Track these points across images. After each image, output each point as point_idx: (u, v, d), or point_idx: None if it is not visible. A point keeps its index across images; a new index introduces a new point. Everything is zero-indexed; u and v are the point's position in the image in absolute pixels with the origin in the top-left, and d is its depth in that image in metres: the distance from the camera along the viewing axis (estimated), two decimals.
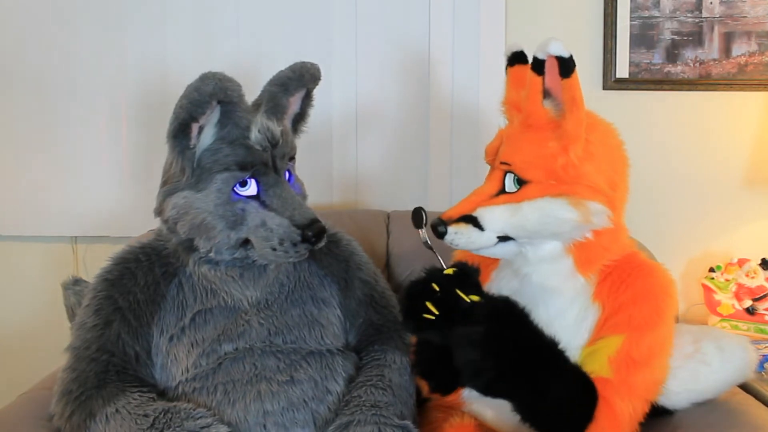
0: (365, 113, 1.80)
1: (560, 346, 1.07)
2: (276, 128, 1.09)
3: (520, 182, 1.07)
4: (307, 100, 1.22)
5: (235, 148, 1.06)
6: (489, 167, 1.16)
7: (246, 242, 1.09)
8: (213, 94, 1.02)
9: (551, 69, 1.02)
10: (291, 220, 1.07)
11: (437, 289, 1.04)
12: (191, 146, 1.06)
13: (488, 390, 1.06)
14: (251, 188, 1.08)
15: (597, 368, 1.07)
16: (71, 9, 1.79)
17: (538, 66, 1.02)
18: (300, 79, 1.17)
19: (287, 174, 1.14)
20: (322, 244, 1.11)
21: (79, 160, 1.82)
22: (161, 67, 1.78)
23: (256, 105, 1.14)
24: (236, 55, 1.77)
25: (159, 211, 1.12)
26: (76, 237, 1.87)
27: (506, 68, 1.18)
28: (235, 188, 1.07)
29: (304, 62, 1.18)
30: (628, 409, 1.06)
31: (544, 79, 1.03)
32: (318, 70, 1.20)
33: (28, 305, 1.90)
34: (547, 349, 1.06)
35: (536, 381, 1.04)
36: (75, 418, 1.05)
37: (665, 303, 1.10)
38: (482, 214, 1.08)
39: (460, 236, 1.08)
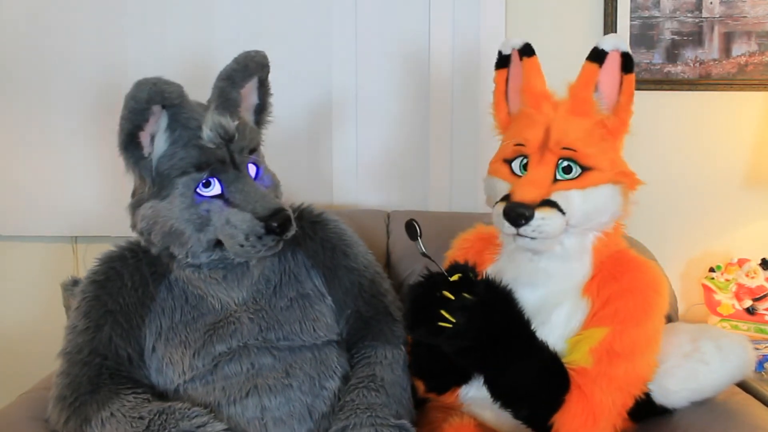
0: (365, 113, 1.80)
1: (534, 330, 1.07)
2: (228, 123, 1.07)
3: (568, 170, 1.06)
4: (262, 89, 1.19)
5: (189, 150, 1.05)
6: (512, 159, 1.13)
7: (219, 243, 1.08)
8: (150, 100, 1.01)
9: (612, 63, 1.05)
10: (253, 213, 1.05)
11: (452, 297, 1.03)
12: (145, 155, 1.06)
13: (461, 355, 1.06)
14: (215, 188, 1.07)
15: (578, 358, 1.07)
16: (70, 9, 1.78)
17: (599, 57, 1.05)
18: (245, 70, 1.14)
19: (254, 167, 1.13)
20: (290, 233, 1.09)
21: (79, 159, 1.82)
22: (161, 65, 1.76)
23: (208, 103, 1.12)
24: (235, 51, 1.75)
25: (133, 225, 1.12)
26: (76, 237, 1.87)
27: (505, 58, 1.17)
28: (198, 190, 1.06)
29: (248, 52, 1.15)
30: (607, 400, 1.06)
31: (600, 70, 1.06)
32: (264, 57, 1.17)
33: (28, 305, 1.90)
34: (523, 329, 1.07)
35: (504, 356, 1.04)
36: (71, 424, 1.05)
37: (653, 299, 1.10)
38: (558, 198, 1.04)
39: (548, 222, 1.02)
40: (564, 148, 1.06)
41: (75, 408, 1.05)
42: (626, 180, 1.09)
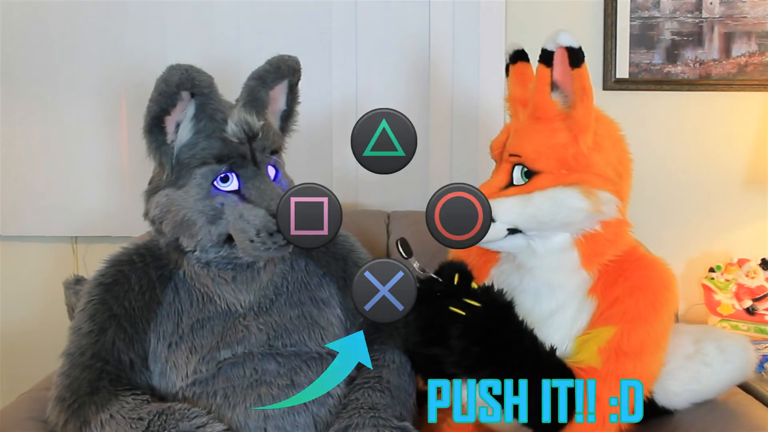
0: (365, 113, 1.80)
1: (539, 340, 1.07)
2: (254, 121, 1.07)
3: (529, 174, 1.07)
4: (291, 95, 1.20)
5: (212, 141, 1.06)
6: (493, 165, 1.15)
7: (230, 239, 1.08)
8: (180, 84, 1.02)
9: (561, 60, 1.03)
10: (267, 209, 1.05)
11: (463, 313, 1.04)
12: (168, 141, 1.06)
13: (470, 371, 1.06)
14: (232, 184, 1.07)
15: (586, 357, 1.07)
16: (71, 7, 1.78)
17: (547, 57, 1.03)
18: (277, 71, 1.14)
19: (273, 170, 1.13)
20: None
21: (78, 160, 1.82)
22: (161, 66, 1.76)
23: (237, 101, 1.13)
24: (236, 53, 1.76)
25: (146, 212, 1.12)
26: (76, 237, 1.87)
27: (508, 66, 1.19)
28: (215, 183, 1.06)
29: (281, 55, 1.15)
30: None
31: (552, 71, 1.04)
32: (297, 62, 1.17)
33: (29, 305, 1.90)
34: (529, 341, 1.06)
35: (512, 370, 1.03)
36: (70, 426, 1.05)
37: (663, 297, 1.10)
38: (493, 205, 1.05)
39: None
40: (511, 155, 1.09)
41: (74, 410, 1.05)
42: (588, 180, 1.05)
